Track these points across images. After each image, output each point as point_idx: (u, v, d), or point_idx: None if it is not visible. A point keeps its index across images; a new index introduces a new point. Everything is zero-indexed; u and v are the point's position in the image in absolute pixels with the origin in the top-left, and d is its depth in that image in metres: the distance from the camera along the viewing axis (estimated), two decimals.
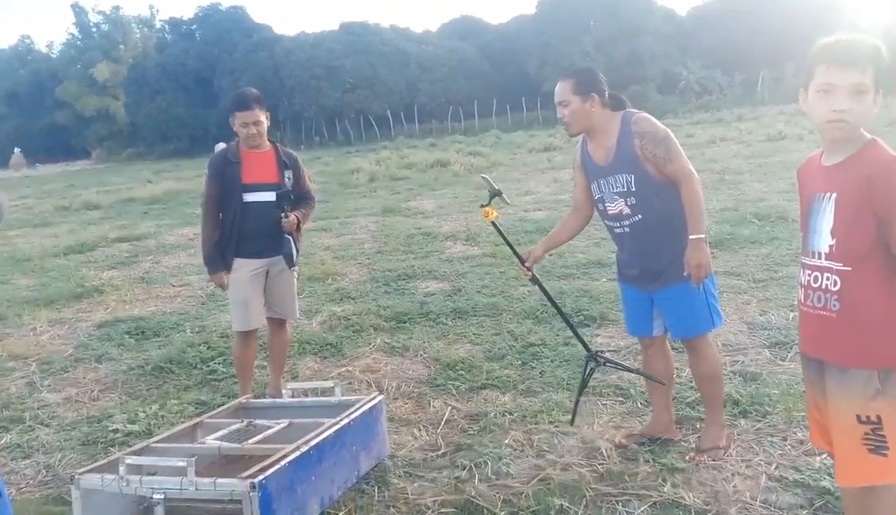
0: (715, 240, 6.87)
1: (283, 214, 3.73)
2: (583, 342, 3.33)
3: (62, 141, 56.50)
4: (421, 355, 4.63)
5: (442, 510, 2.77)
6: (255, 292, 3.84)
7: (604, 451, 3.08)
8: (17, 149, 41.61)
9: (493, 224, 3.28)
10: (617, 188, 2.91)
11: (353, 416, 3.04)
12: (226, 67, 46.37)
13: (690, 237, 2.78)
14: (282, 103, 44.40)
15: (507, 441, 3.27)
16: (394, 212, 11.56)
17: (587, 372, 3.24)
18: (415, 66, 46.76)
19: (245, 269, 3.79)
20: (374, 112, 45.08)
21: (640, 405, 3.54)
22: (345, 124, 45.70)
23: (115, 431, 3.74)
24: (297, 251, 3.96)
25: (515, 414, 3.54)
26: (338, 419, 2.99)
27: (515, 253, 3.30)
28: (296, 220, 3.78)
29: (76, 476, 2.66)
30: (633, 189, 2.86)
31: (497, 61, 48.17)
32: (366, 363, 4.58)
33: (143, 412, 3.96)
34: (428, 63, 46.85)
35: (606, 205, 2.97)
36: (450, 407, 3.73)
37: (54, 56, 63.81)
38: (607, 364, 3.31)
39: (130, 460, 2.63)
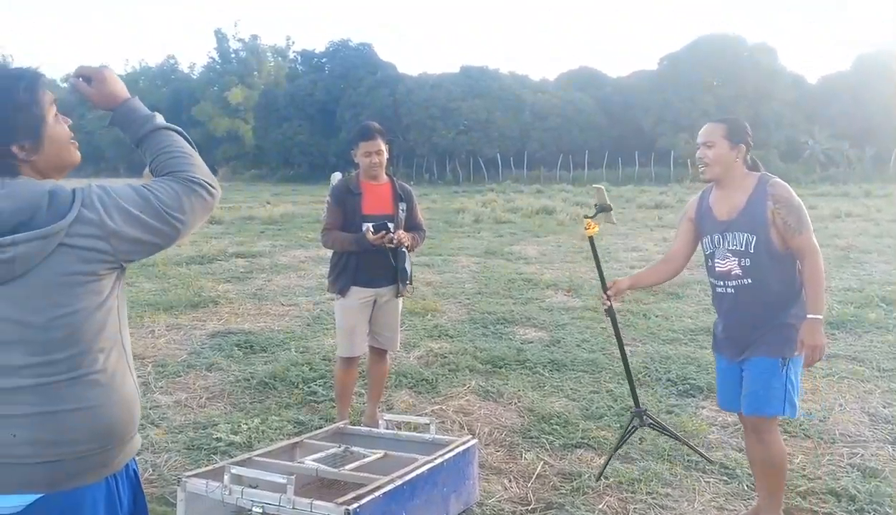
0: (836, 321, 6.48)
1: (387, 230, 3.72)
2: (635, 396, 3.25)
3: None
4: (515, 403, 4.59)
5: None
6: (361, 320, 3.94)
7: None
8: None
9: (591, 239, 3.23)
10: (733, 246, 2.84)
11: (446, 457, 3.04)
12: (349, 100, 48.40)
13: (809, 316, 2.70)
14: (397, 139, 45.80)
15: (600, 507, 3.17)
16: (496, 255, 11.60)
17: (628, 429, 3.17)
18: (529, 112, 47.08)
19: (355, 297, 3.90)
20: (484, 155, 45.66)
21: (746, 487, 3.35)
22: (455, 164, 46.53)
23: (219, 439, 3.91)
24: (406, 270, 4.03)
25: (611, 479, 3.43)
26: (432, 457, 3.00)
27: (602, 277, 3.29)
28: (406, 236, 3.81)
29: (183, 479, 2.79)
30: (752, 250, 2.80)
31: (613, 114, 47.79)
32: (459, 404, 4.58)
33: (246, 424, 4.12)
34: (543, 111, 47.06)
35: (716, 261, 2.91)
36: (542, 462, 3.66)
37: (194, 77, 68.76)
38: (651, 425, 3.23)
39: (235, 470, 2.74)
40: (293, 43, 75.44)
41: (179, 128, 1.66)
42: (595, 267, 3.47)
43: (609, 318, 3.34)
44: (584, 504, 3.19)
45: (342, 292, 3.90)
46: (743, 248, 2.80)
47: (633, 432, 3.39)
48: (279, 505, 2.55)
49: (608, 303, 3.22)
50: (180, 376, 5.11)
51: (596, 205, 3.26)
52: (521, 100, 47.40)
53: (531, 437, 4.01)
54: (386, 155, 3.94)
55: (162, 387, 4.87)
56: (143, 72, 74.65)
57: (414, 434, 3.54)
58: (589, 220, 3.21)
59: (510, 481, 3.47)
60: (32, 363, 1.41)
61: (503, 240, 13.84)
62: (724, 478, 3.46)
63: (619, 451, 3.76)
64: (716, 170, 2.87)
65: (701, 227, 3.00)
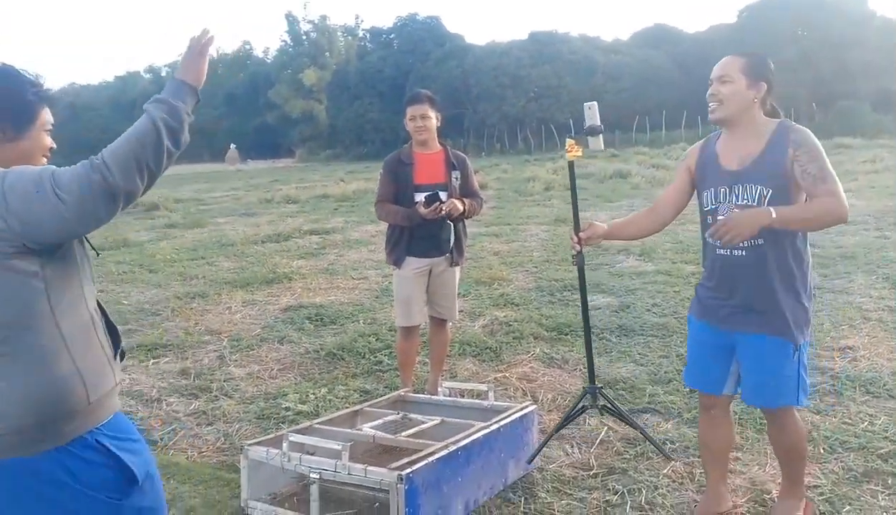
0: None
1: (439, 200, 3.70)
2: (591, 369, 3.06)
3: (270, 140, 62.16)
4: (580, 369, 4.52)
5: None
6: (418, 290, 3.95)
7: (775, 496, 2.81)
8: (232, 146, 46.05)
9: (570, 164, 2.90)
10: (744, 200, 2.40)
11: (503, 422, 3.03)
12: (418, 75, 48.35)
13: (771, 208, 2.28)
14: (467, 111, 45.56)
15: (665, 471, 3.09)
16: (566, 223, 11.40)
17: (576, 408, 2.99)
18: (601, 74, 45.84)
19: (410, 268, 3.91)
20: (555, 121, 44.77)
21: (822, 450, 3.19)
22: (526, 133, 45.94)
23: (287, 409, 4.03)
24: (460, 240, 3.97)
25: (677, 444, 3.34)
26: (488, 423, 2.99)
27: (576, 214, 2.95)
28: (458, 205, 3.76)
29: (245, 447, 2.88)
30: (766, 205, 2.35)
31: (690, 71, 45.79)
32: (523, 371, 4.55)
33: (314, 394, 4.23)
34: (616, 72, 45.74)
35: (719, 219, 2.41)
36: (606, 427, 3.59)
37: (269, 61, 70.26)
38: (604, 407, 3.07)
39: (294, 437, 2.81)
40: (362, 21, 75.82)
41: (163, 118, 1.51)
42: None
43: (577, 269, 2.97)
44: (647, 469, 3.12)
45: (397, 263, 3.92)
46: (756, 203, 2.37)
47: (583, 411, 3.17)
48: (335, 472, 2.60)
49: (578, 248, 2.88)
50: (254, 349, 5.29)
51: (586, 128, 2.79)
52: (593, 63, 46.18)
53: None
54: (435, 122, 3.91)
55: (236, 360, 5.06)
56: (220, 60, 76.80)
57: (473, 400, 3.55)
58: (571, 141, 2.79)
59: (572, 446, 3.43)
60: None
61: None
62: None
63: (687, 415, 3.66)
64: (728, 110, 2.43)
65: (702, 179, 2.57)
